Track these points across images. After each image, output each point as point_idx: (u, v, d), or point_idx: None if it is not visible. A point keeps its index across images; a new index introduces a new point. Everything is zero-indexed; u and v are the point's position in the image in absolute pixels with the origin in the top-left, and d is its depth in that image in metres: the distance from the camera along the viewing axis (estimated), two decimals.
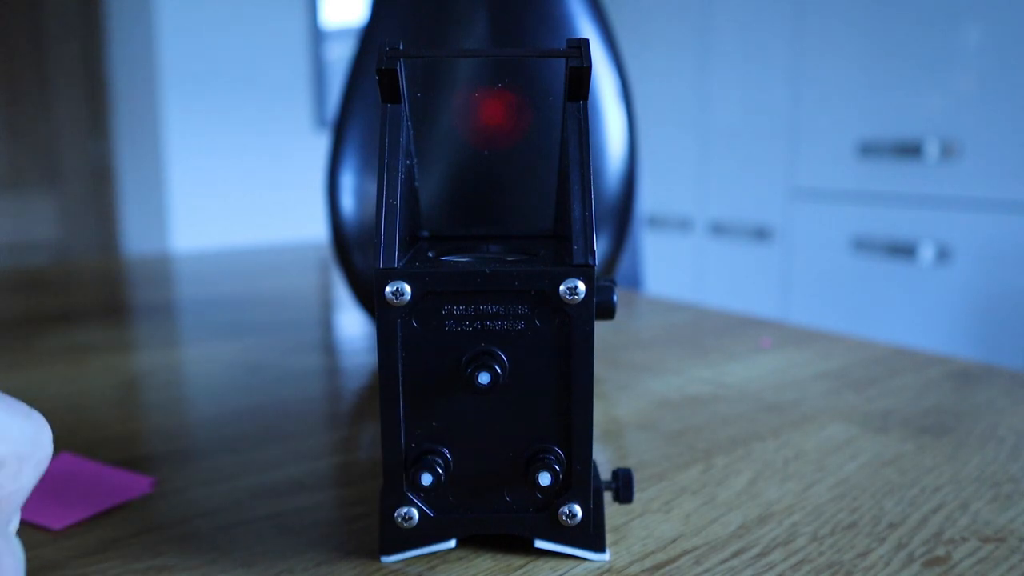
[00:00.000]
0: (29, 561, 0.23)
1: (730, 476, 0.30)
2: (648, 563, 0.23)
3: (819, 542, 0.24)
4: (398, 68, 0.21)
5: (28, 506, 0.27)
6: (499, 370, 0.21)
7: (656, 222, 2.10)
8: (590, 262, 0.21)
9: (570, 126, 0.22)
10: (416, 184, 0.25)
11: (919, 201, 1.53)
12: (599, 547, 0.23)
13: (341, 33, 2.45)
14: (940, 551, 0.24)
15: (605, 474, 0.29)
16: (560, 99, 0.23)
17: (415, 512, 0.22)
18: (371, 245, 0.38)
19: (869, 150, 1.61)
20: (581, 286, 0.21)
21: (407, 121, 0.23)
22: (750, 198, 1.89)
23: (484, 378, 0.21)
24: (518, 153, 0.32)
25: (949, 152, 1.50)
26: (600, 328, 0.55)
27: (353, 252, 0.39)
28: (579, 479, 0.22)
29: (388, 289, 0.20)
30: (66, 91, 2.53)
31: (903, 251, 1.54)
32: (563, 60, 0.22)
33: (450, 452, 0.22)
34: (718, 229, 1.96)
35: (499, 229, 0.28)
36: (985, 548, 0.24)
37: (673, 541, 0.24)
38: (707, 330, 0.54)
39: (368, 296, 0.40)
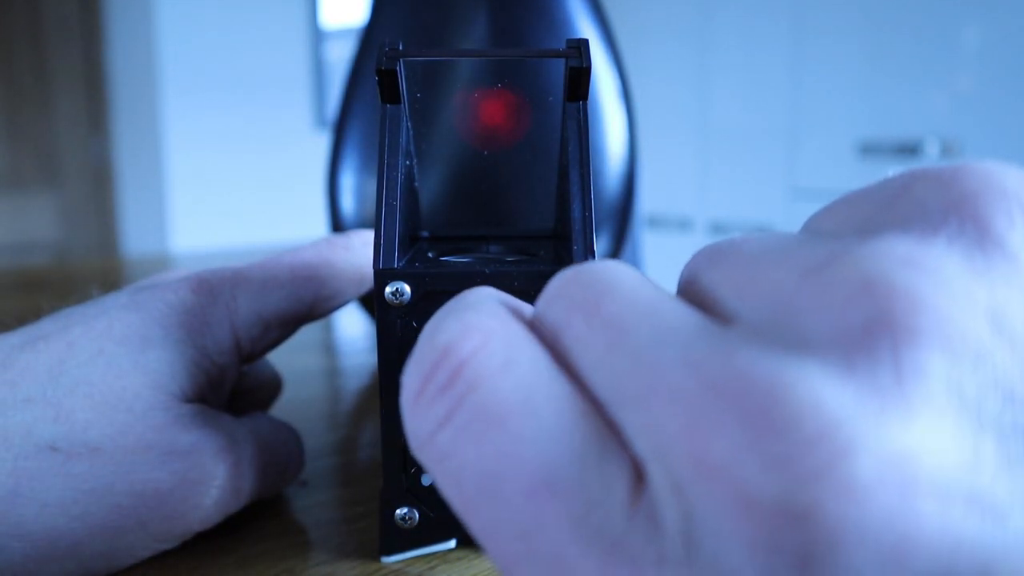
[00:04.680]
0: None
1: None
2: None
3: None
4: (398, 68, 0.21)
5: None
6: None
7: (656, 222, 2.10)
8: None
9: (570, 126, 0.22)
10: (416, 184, 0.25)
11: None
12: None
13: (341, 33, 2.45)
14: None
15: None
16: (560, 99, 0.23)
17: (416, 512, 0.22)
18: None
19: (869, 150, 1.61)
20: None
21: (407, 121, 0.23)
22: (750, 198, 1.89)
23: None
24: (518, 153, 0.32)
25: (949, 152, 1.50)
26: None
27: None
28: None
29: (388, 289, 0.20)
30: (66, 91, 2.53)
31: None
32: (563, 60, 0.22)
33: None
34: (718, 229, 1.96)
35: (499, 229, 0.28)
36: None
37: None
38: None
39: (368, 296, 0.40)
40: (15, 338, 0.22)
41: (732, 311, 0.12)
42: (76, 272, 0.80)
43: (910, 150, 1.55)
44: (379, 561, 0.23)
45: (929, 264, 0.10)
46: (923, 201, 0.12)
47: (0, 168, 2.48)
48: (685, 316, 0.12)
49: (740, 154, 1.90)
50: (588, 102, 0.23)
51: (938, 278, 0.10)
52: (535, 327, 0.13)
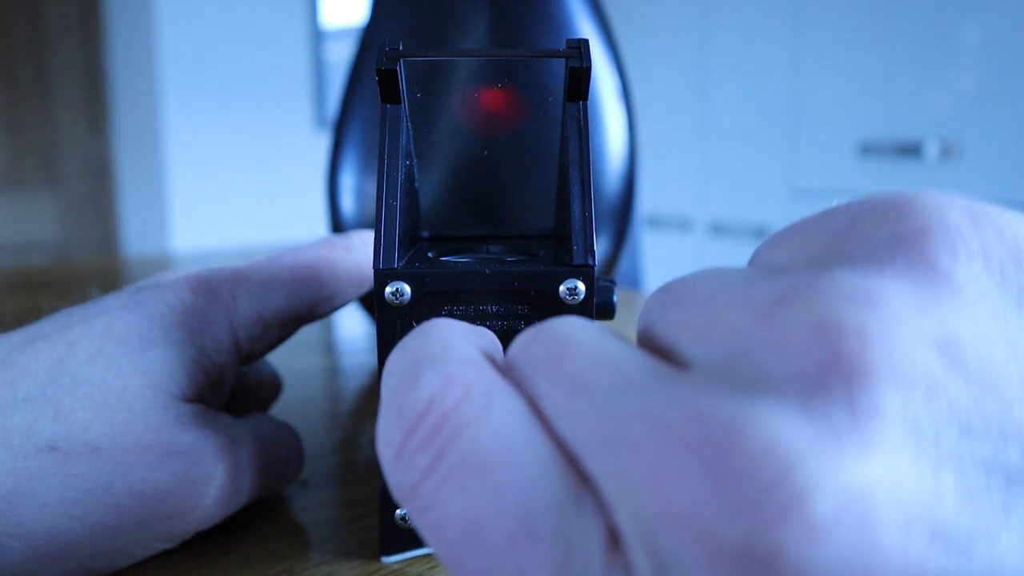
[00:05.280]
0: None
1: None
2: None
3: None
4: (398, 69, 0.21)
5: None
6: None
7: (656, 222, 2.10)
8: (590, 262, 0.21)
9: (570, 126, 0.22)
10: (416, 184, 0.25)
11: None
12: None
13: (341, 33, 2.45)
14: None
15: None
16: (560, 99, 0.23)
17: None
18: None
19: (869, 150, 1.61)
20: (581, 286, 0.21)
21: (407, 121, 0.23)
22: (750, 198, 1.89)
23: None
24: (518, 153, 0.32)
25: (949, 152, 1.50)
26: None
27: None
28: None
29: (388, 290, 0.20)
30: (66, 91, 2.53)
31: None
32: (563, 60, 0.22)
33: None
34: (718, 229, 1.96)
35: (499, 229, 0.28)
36: None
37: None
38: None
39: (368, 296, 0.40)
40: (15, 338, 0.22)
41: (689, 356, 0.12)
42: (76, 272, 0.80)
43: (910, 150, 1.55)
44: (379, 561, 0.23)
45: (879, 301, 0.10)
46: (870, 237, 0.12)
47: (0, 168, 2.48)
48: (644, 365, 0.12)
49: (740, 154, 1.90)
50: (588, 102, 0.23)
51: (888, 314, 0.10)
52: (507, 376, 0.14)
